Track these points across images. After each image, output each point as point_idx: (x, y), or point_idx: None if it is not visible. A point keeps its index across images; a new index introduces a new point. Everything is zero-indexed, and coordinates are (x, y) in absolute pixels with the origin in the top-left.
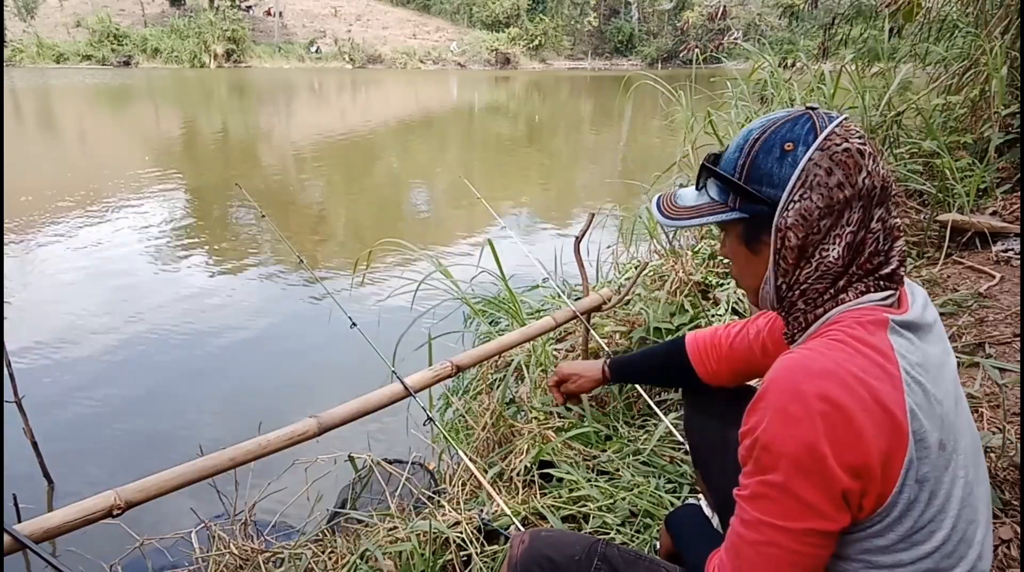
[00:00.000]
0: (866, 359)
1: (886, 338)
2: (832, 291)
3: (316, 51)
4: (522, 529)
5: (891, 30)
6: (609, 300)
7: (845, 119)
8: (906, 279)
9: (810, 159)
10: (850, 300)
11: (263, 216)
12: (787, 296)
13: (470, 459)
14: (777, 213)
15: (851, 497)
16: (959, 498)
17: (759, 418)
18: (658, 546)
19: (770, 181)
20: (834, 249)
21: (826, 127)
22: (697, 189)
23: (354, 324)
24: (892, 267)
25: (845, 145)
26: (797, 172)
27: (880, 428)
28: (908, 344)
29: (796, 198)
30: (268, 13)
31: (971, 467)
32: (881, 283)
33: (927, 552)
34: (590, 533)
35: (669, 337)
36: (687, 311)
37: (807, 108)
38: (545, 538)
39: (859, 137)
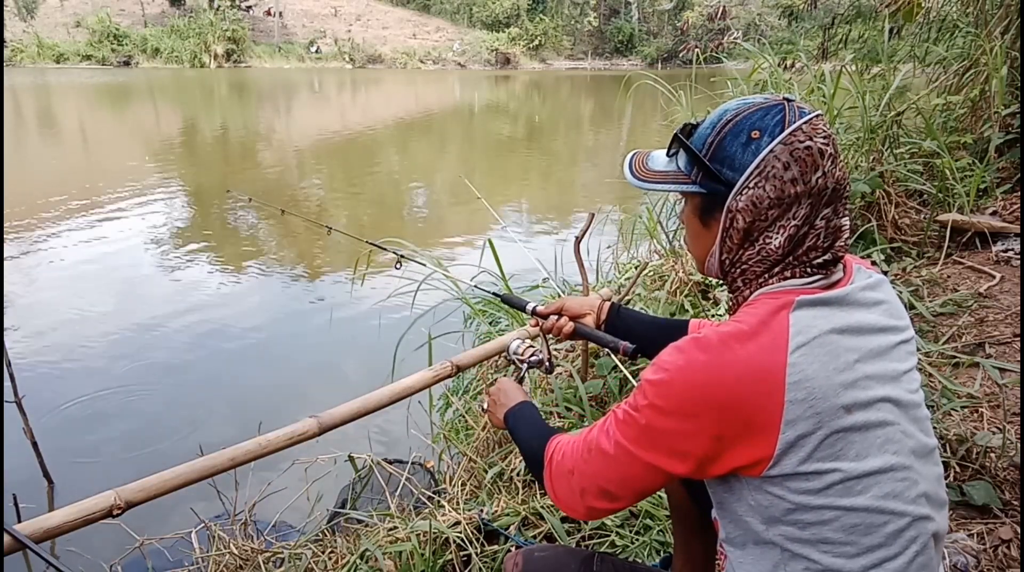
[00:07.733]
0: (753, 341)
1: (785, 318)
2: (766, 275)
3: (316, 51)
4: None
5: (891, 30)
6: (609, 300)
7: (817, 116)
8: (862, 266)
9: (771, 151)
10: (772, 284)
11: (283, 212)
12: (729, 271)
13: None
14: (731, 196)
15: (703, 451)
16: (878, 446)
17: (655, 369)
18: (660, 551)
19: (731, 164)
20: (776, 238)
21: (795, 122)
22: (668, 155)
23: None
24: (826, 259)
25: (808, 143)
26: (756, 161)
27: (750, 397)
28: (813, 317)
29: (751, 185)
30: (268, 13)
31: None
32: (808, 270)
33: (847, 506)
34: (589, 535)
35: None
36: (687, 311)
37: (784, 99)
38: (539, 559)
39: (824, 137)
